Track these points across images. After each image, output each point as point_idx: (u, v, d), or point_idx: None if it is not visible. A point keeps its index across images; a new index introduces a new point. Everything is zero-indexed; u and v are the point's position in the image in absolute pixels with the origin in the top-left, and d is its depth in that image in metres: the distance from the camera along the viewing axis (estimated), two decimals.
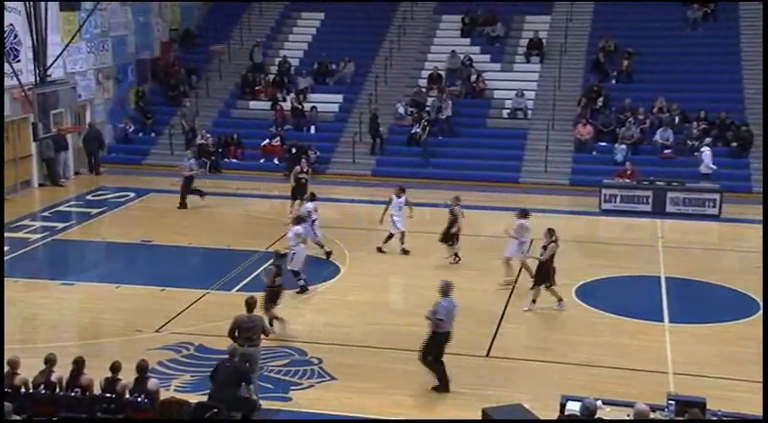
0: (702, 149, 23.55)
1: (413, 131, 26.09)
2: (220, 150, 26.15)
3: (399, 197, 17.80)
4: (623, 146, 24.78)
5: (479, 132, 26.62)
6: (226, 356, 10.77)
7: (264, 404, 11.33)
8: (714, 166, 23.19)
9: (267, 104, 27.85)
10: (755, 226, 19.93)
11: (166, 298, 15.39)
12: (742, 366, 12.71)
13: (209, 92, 28.81)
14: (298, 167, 20.46)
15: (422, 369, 12.53)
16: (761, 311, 15.03)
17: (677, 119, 25.67)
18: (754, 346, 13.20)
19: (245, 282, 16.10)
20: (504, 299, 15.46)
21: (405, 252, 17.76)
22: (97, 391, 9.98)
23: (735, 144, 24.62)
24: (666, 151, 24.63)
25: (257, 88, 28.38)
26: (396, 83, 28.30)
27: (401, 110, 26.99)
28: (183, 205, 21.55)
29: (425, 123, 25.73)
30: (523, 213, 16.08)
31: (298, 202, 19.33)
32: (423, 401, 11.69)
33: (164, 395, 10.23)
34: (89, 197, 23.08)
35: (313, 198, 17.89)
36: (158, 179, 24.73)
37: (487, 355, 13.23)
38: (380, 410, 11.37)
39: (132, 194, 23.00)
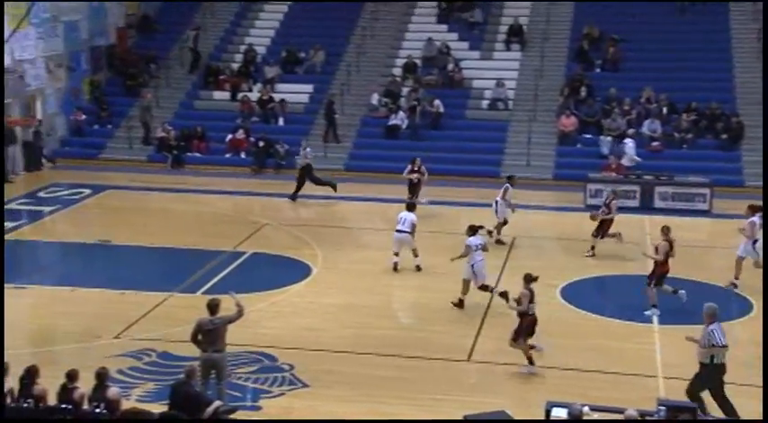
0: (625, 141, 24.06)
1: (389, 123, 26.13)
2: (183, 144, 26.00)
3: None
4: (609, 138, 25.01)
5: (458, 125, 26.70)
6: (191, 363, 10.73)
7: (231, 415, 11.28)
8: (638, 158, 23.61)
9: (233, 95, 27.73)
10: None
11: (126, 302, 15.28)
12: (734, 369, 12.83)
13: (170, 82, 28.63)
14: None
15: (399, 375, 12.60)
16: (754, 312, 15.24)
17: (665, 110, 25.96)
18: (746, 348, 13.35)
19: (210, 284, 16.04)
20: (485, 300, 15.53)
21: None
22: (52, 401, 9.89)
23: (725, 136, 24.97)
24: (654, 144, 24.91)
25: (221, 78, 28.23)
26: (369, 72, 28.32)
27: (375, 100, 27.03)
28: (295, 196, 21.89)
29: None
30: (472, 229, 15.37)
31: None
32: (400, 409, 11.70)
33: (125, 405, 10.15)
34: (41, 194, 22.83)
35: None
36: (116, 175, 24.57)
37: (469, 360, 13.29)
38: (355, 419, 11.37)
39: (88, 191, 22.81)
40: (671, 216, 20.81)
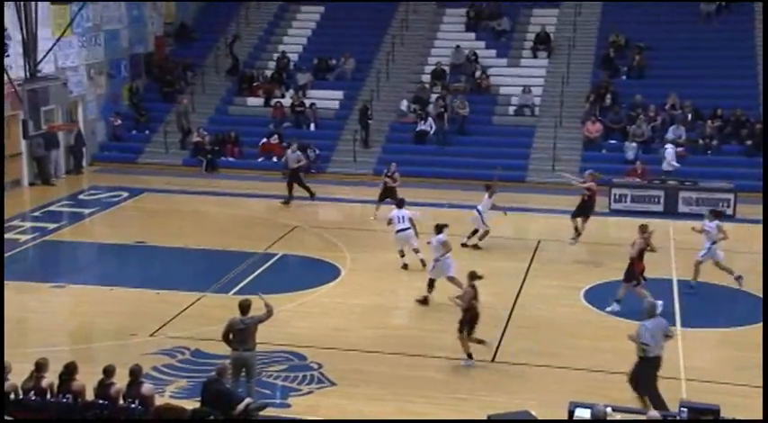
0: (666, 147, 23.93)
1: (418, 129, 26.16)
2: (217, 148, 26.20)
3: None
4: (634, 144, 24.86)
5: (485, 130, 26.65)
6: (223, 361, 10.81)
7: (262, 412, 11.37)
8: (677, 164, 23.48)
9: (266, 101, 27.90)
10: None
11: (161, 301, 15.44)
12: (756, 372, 12.72)
13: (205, 88, 28.86)
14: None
15: (425, 374, 12.60)
16: None
17: (690, 116, 25.75)
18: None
19: (242, 284, 16.15)
20: (510, 302, 15.50)
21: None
22: (90, 397, 10.03)
23: (749, 142, 24.70)
24: (679, 149, 24.72)
25: (255, 84, 28.43)
26: (398, 78, 28.35)
27: (404, 107, 27.06)
28: (312, 193, 22.17)
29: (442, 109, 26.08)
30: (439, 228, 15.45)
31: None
32: (425, 408, 11.73)
33: (159, 401, 10.27)
34: (81, 197, 23.15)
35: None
36: (153, 178, 24.82)
37: (493, 360, 13.27)
38: (382, 418, 11.40)
39: (126, 194, 23.05)
40: (695, 221, 20.61)
